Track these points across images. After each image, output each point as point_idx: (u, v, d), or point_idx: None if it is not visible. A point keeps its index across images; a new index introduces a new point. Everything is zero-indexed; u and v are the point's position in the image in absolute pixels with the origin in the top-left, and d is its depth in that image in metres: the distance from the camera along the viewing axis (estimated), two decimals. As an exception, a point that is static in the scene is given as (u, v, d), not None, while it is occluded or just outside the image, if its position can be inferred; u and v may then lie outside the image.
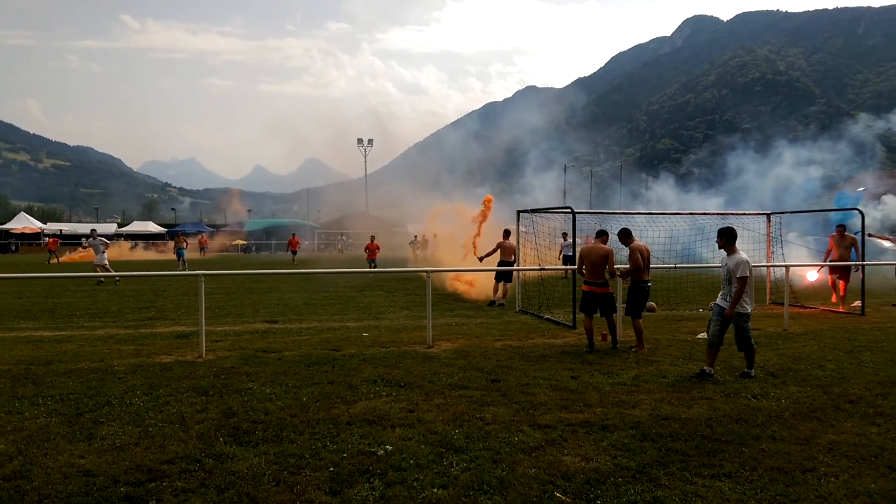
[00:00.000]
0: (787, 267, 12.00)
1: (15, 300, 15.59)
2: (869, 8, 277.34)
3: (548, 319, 12.74)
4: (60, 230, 59.17)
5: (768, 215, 15.59)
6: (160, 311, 13.85)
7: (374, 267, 21.99)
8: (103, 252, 21.11)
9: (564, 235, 17.45)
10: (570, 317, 12.08)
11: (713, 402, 6.64)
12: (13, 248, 55.42)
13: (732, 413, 6.25)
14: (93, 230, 25.28)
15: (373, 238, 27.56)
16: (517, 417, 6.07)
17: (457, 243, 25.04)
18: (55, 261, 36.95)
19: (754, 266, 14.06)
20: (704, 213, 15.12)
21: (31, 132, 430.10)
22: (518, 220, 14.70)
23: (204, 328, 9.03)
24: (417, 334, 10.88)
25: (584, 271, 9.80)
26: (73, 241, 59.04)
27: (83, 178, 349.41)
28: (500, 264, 15.56)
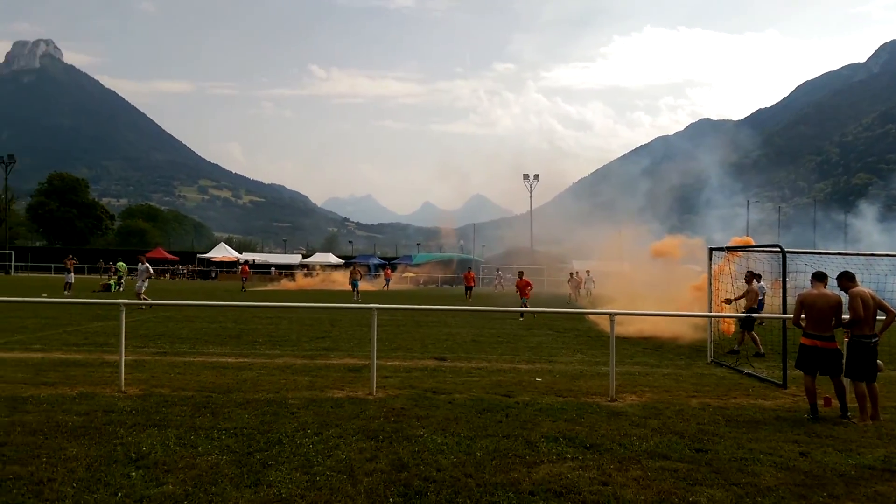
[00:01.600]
0: None
1: (208, 324, 16.61)
2: None
3: (749, 375, 11.08)
4: (253, 260, 64.65)
5: None
6: (334, 342, 13.97)
7: (525, 306, 20.21)
8: (144, 280, 22.28)
9: (758, 277, 15.44)
10: (780, 373, 10.38)
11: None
12: (213, 275, 61.25)
13: None
14: (139, 256, 24.81)
15: (521, 274, 24.63)
16: (742, 506, 4.90)
17: (625, 280, 23.54)
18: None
19: None
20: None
21: (233, 171, 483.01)
22: (710, 259, 13.15)
23: (375, 364, 8.70)
24: (596, 383, 9.83)
25: (801, 322, 8.26)
26: (263, 269, 64.40)
27: (275, 213, 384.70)
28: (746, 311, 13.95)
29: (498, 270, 55.74)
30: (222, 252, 66.95)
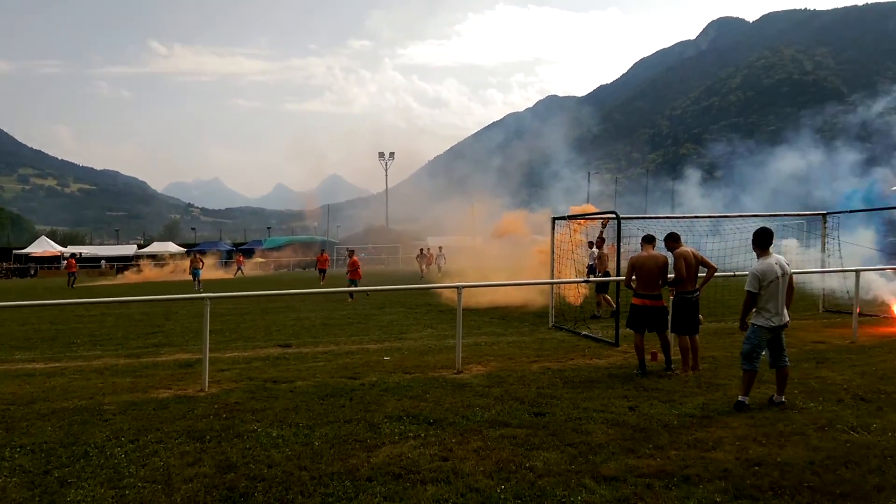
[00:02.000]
0: (857, 271, 10.73)
1: (18, 327, 14.79)
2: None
3: (586, 336, 11.59)
4: (80, 253, 59.05)
5: (824, 215, 14.32)
6: (167, 337, 12.92)
7: (355, 286, 19.15)
8: None
9: (590, 244, 16.23)
10: (612, 333, 10.93)
11: (808, 439, 5.48)
12: (32, 272, 55.37)
13: (837, 454, 5.08)
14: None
15: (351, 253, 23.00)
16: (575, 466, 4.97)
17: (477, 254, 23.96)
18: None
19: (809, 272, 12.76)
20: (757, 216, 13.88)
21: (59, 157, 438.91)
22: (553, 228, 13.58)
23: (208, 357, 8.06)
24: (444, 357, 9.81)
25: (632, 284, 8.69)
26: (93, 263, 59.10)
27: (109, 201, 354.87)
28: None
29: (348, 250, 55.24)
30: (43, 247, 60.45)
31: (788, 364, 6.82)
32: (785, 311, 6.71)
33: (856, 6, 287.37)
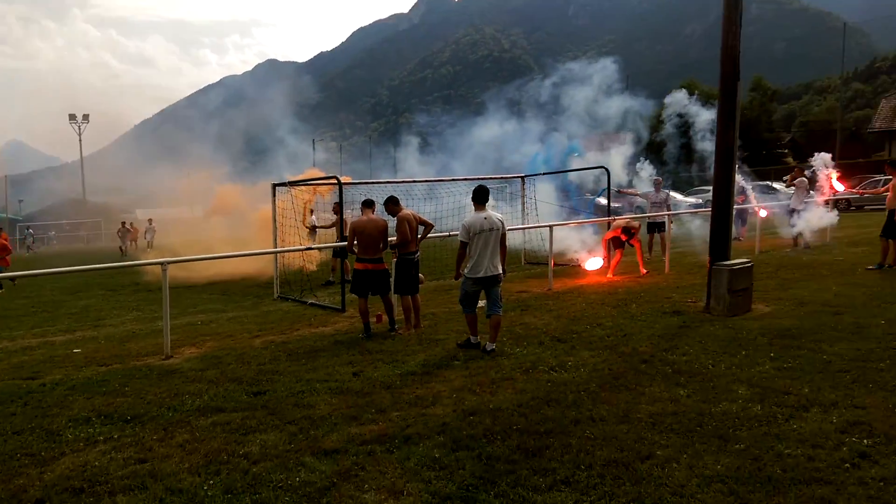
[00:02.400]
0: (550, 227, 11.96)
1: None
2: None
3: (313, 304, 11.31)
4: None
5: (522, 178, 15.76)
6: None
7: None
8: None
9: (311, 212, 15.96)
10: (339, 299, 10.79)
11: (516, 383, 5.84)
12: None
13: (540, 394, 5.48)
14: None
15: None
16: (295, 444, 4.64)
17: (195, 226, 22.18)
18: None
19: (513, 228, 13.98)
20: (466, 179, 14.77)
21: None
22: (274, 195, 12.91)
23: None
24: (151, 342, 8.75)
25: (354, 248, 8.56)
26: None
27: None
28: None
29: (28, 229, 47.61)
30: None
31: (499, 314, 7.28)
32: (496, 264, 7.14)
33: None
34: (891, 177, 11.67)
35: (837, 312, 7.80)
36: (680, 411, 4.85)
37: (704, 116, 16.32)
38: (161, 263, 8.10)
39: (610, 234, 12.42)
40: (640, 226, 12.73)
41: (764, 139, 46.95)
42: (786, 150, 44.07)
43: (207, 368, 7.08)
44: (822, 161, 15.16)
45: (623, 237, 12.15)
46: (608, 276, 12.30)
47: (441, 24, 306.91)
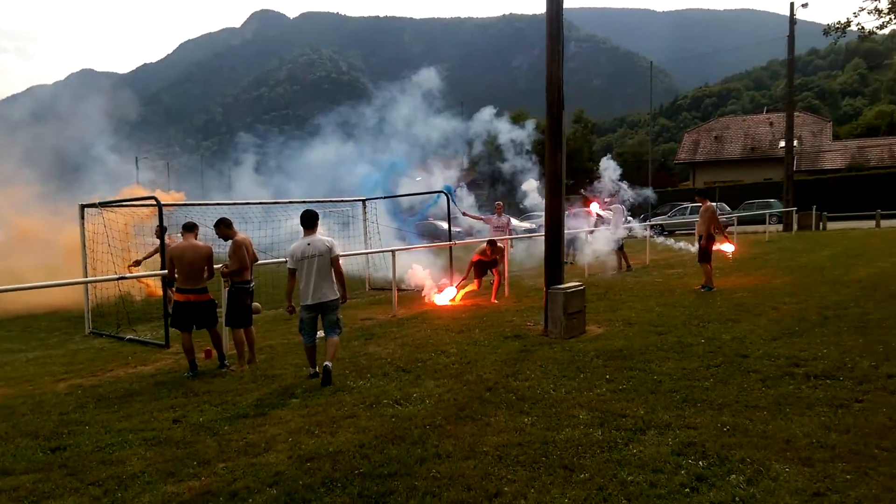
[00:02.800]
0: (393, 252, 11.77)
1: None
2: (411, 19, 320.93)
3: (132, 340, 10.18)
4: None
5: (364, 201, 15.50)
6: None
7: None
8: None
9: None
10: (162, 333, 9.80)
11: (358, 421, 5.50)
12: None
13: (384, 431, 5.19)
14: None
15: None
16: (97, 515, 3.96)
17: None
18: None
19: (355, 253, 13.65)
20: (304, 202, 14.20)
21: None
22: (83, 217, 11.54)
23: None
24: (-74, 392, 7.36)
25: (175, 278, 7.77)
26: None
27: None
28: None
29: None
30: None
31: (335, 338, 7.07)
32: (327, 290, 6.92)
33: (378, 17, 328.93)
34: (700, 205, 12.84)
35: (662, 332, 8.30)
36: (525, 441, 4.78)
37: (512, 135, 17.11)
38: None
39: (476, 257, 12.44)
40: (503, 248, 12.82)
41: (587, 168, 50.52)
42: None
43: (-4, 422, 6.02)
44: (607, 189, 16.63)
45: (487, 254, 12.17)
46: (452, 300, 12.33)
47: (276, 42, 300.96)
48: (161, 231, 13.75)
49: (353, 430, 5.25)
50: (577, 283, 9.02)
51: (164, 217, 9.93)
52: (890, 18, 12.37)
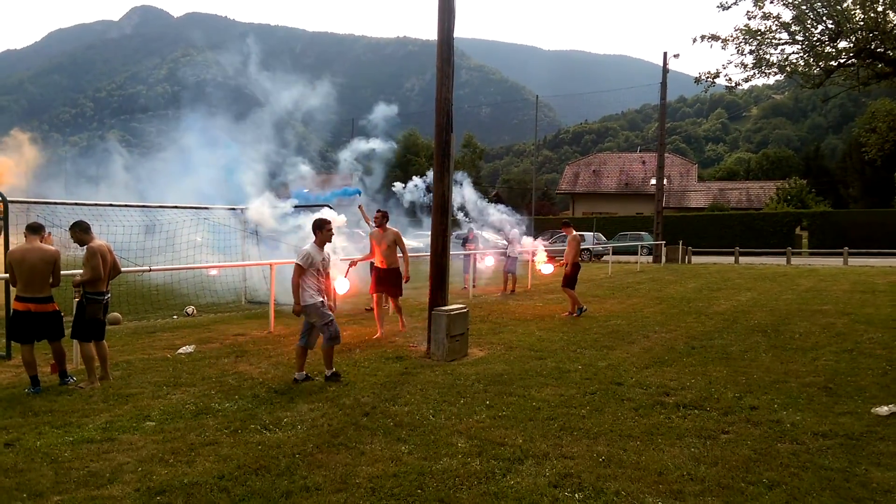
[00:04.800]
0: (272, 265, 11.22)
1: None
2: (304, 31, 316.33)
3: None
4: None
5: (243, 209, 14.78)
6: None
7: None
8: None
9: None
10: (3, 343, 8.72)
11: (220, 448, 5.04)
12: None
13: (248, 460, 4.77)
14: None
15: None
16: None
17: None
18: None
19: (231, 265, 12.93)
20: (182, 207, 13.34)
21: None
22: None
23: None
24: None
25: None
26: None
27: None
28: None
29: None
30: None
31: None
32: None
33: (269, 25, 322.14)
34: (566, 234, 13.26)
35: (541, 357, 8.37)
36: (401, 472, 4.54)
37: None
38: None
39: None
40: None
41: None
42: (493, 203, 49.07)
43: None
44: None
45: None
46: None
47: (157, 39, 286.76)
48: (5, 230, 12.41)
49: (214, 459, 4.79)
50: (461, 305, 8.95)
51: (8, 214, 8.89)
52: (754, 73, 13.42)
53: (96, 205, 12.40)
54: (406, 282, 10.35)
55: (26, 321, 6.75)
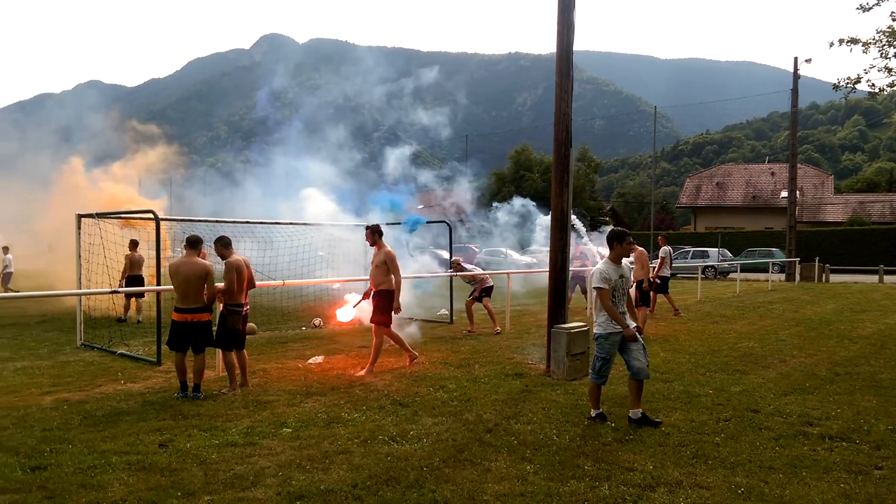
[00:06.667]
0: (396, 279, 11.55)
1: None
2: (419, 51, 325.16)
3: (123, 355, 9.92)
4: None
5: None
6: None
7: None
8: None
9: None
10: (155, 349, 9.54)
11: (352, 457, 5.25)
12: None
13: (378, 470, 4.93)
14: None
15: None
16: (71, 548, 3.70)
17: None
18: None
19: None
20: (307, 224, 14.07)
21: None
22: (79, 227, 11.33)
23: None
24: None
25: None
26: None
27: None
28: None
29: None
30: None
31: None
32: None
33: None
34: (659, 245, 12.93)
35: (667, 380, 8.07)
36: (528, 492, 4.53)
37: None
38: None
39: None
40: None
41: (589, 206, 50.70)
42: (607, 218, 47.92)
43: (-27, 436, 5.76)
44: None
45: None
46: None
47: (284, 65, 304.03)
48: (133, 245, 13.76)
49: (347, 468, 5.00)
50: (582, 323, 8.82)
51: (159, 229, 9.73)
52: (900, 76, 12.42)
53: (234, 222, 13.37)
54: (395, 312, 8.73)
55: (181, 331, 7.34)
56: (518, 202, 21.23)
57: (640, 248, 12.46)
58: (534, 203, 21.68)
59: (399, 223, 14.52)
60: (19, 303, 16.32)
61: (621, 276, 6.23)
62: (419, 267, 14.82)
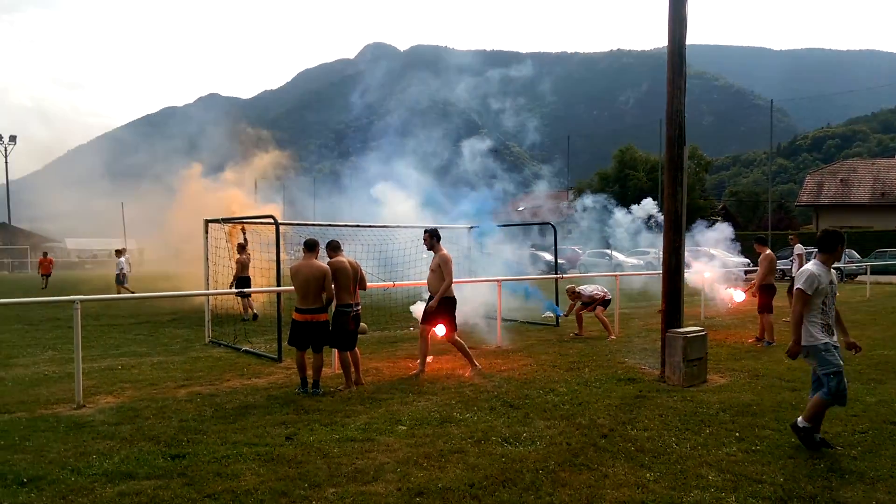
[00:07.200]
0: (498, 281, 11.60)
1: None
2: (518, 52, 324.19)
3: (247, 352, 10.53)
4: None
5: (469, 228, 15.47)
6: None
7: None
8: None
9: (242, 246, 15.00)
10: (276, 347, 10.07)
11: (467, 457, 5.32)
12: None
13: (494, 471, 4.97)
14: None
15: None
16: (214, 530, 3.98)
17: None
18: None
19: (460, 281, 13.59)
20: (411, 227, 14.37)
21: None
22: (206, 231, 12.14)
23: None
24: (63, 387, 7.89)
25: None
26: None
27: None
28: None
29: None
30: None
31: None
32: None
33: (483, 50, 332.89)
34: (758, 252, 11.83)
35: (795, 388, 7.62)
36: (649, 500, 4.42)
37: None
38: (72, 301, 7.30)
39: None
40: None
41: (699, 206, 48.68)
42: (719, 218, 45.76)
43: (122, 423, 6.31)
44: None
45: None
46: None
47: (387, 73, 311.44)
48: (240, 248, 14.52)
49: (462, 467, 5.07)
50: (699, 328, 8.50)
51: (279, 233, 10.26)
52: None
53: (345, 225, 13.88)
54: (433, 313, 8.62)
55: (301, 330, 7.71)
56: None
57: (769, 251, 11.68)
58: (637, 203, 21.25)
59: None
60: (153, 302, 17.71)
61: (830, 283, 5.51)
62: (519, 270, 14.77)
